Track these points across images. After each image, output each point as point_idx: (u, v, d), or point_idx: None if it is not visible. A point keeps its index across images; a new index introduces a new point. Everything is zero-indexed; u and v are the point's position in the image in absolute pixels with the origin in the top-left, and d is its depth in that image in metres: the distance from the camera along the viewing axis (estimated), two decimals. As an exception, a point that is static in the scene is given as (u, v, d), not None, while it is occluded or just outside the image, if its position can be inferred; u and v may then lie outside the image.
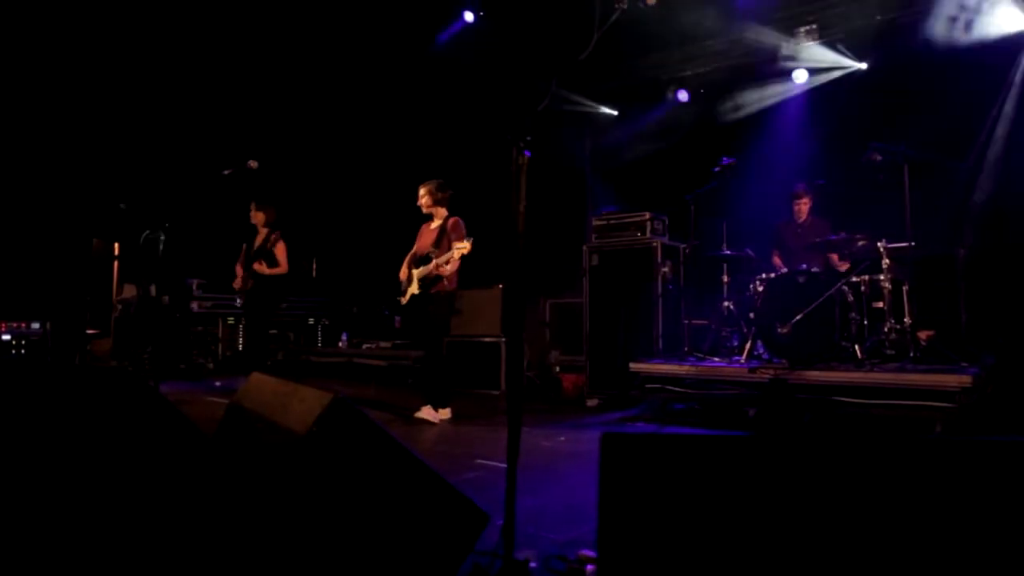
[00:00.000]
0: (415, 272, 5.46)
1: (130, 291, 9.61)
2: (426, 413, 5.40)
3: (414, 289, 5.45)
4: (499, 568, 2.08)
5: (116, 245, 9.45)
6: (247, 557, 2.09)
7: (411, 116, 9.68)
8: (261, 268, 6.48)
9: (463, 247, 4.87)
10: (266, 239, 6.58)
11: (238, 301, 6.90)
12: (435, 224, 5.55)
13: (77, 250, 8.92)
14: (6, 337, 7.75)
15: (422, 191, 5.52)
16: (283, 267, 6.58)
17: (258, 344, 6.95)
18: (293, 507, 1.91)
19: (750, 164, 6.56)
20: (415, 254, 5.64)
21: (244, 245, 6.82)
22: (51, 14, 7.78)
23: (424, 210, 5.56)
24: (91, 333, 8.86)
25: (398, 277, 5.70)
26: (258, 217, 6.73)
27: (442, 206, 5.52)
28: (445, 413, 5.46)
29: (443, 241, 5.34)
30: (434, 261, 5.22)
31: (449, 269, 5.21)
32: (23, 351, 7.84)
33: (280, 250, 6.57)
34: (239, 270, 6.77)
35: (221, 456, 2.60)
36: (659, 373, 5.55)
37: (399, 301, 5.68)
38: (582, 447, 4.47)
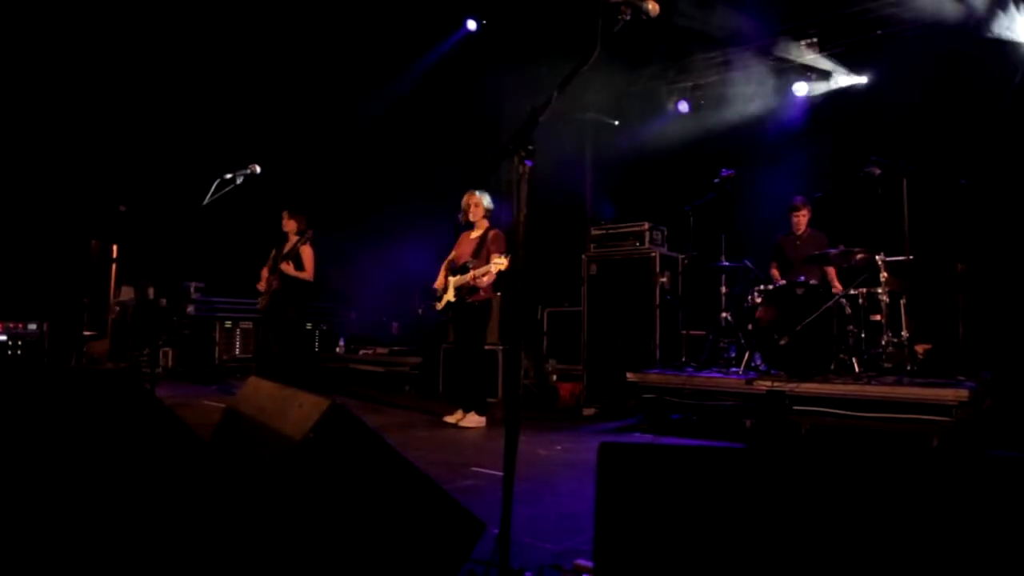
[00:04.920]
0: (452, 280, 5.53)
1: (128, 293, 9.62)
2: (470, 421, 5.49)
3: (450, 296, 5.52)
4: (494, 577, 2.08)
5: (115, 247, 9.46)
6: (242, 563, 2.08)
7: (412, 122, 9.70)
8: (288, 268, 6.49)
9: (501, 264, 4.91)
10: (295, 244, 6.62)
11: (260, 303, 6.85)
12: (476, 234, 5.61)
13: (75, 251, 8.92)
14: (3, 338, 7.74)
15: (474, 200, 5.57)
16: (309, 272, 6.58)
17: (282, 349, 6.84)
18: (289, 514, 1.90)
19: (749, 176, 6.57)
20: (452, 261, 5.72)
21: (273, 251, 6.83)
22: (51, 14, 7.80)
23: (470, 219, 5.62)
24: (88, 335, 8.86)
25: (435, 283, 5.78)
26: (290, 224, 6.76)
27: (486, 218, 5.59)
28: (481, 420, 5.50)
29: (482, 252, 5.43)
30: (471, 272, 5.30)
31: (486, 281, 5.30)
32: (20, 352, 7.83)
33: (307, 254, 6.58)
34: (264, 274, 6.77)
35: (217, 461, 2.59)
36: (656, 383, 5.55)
37: (434, 306, 5.77)
38: (579, 456, 4.46)
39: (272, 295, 6.63)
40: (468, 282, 5.35)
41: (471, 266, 5.38)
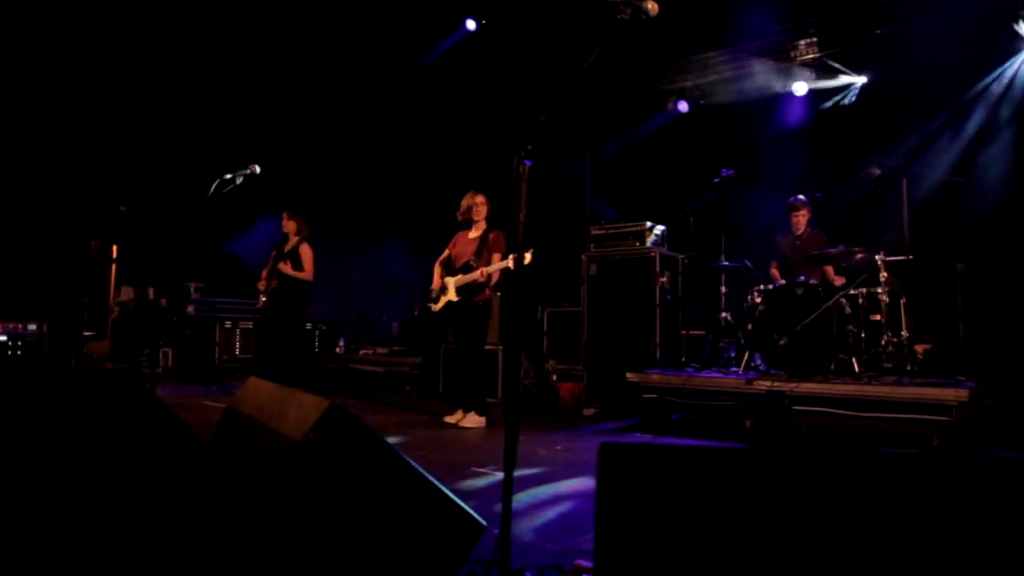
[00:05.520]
0: (452, 280, 5.51)
1: (128, 293, 9.62)
2: (470, 421, 5.48)
3: (451, 296, 5.50)
4: (494, 577, 2.08)
5: (115, 247, 9.46)
6: (243, 563, 2.08)
7: (412, 124, 9.70)
8: (286, 268, 6.49)
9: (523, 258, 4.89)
10: (296, 244, 6.62)
11: (259, 302, 6.85)
12: (475, 234, 5.60)
13: (75, 251, 8.91)
14: (2, 338, 7.73)
15: (479, 200, 5.58)
16: (308, 272, 6.58)
17: (281, 349, 6.81)
18: (288, 514, 1.90)
19: (749, 176, 6.57)
20: (445, 261, 5.73)
21: (273, 251, 6.84)
22: (52, 15, 7.80)
23: (473, 218, 5.61)
24: (88, 335, 8.85)
25: (432, 284, 5.76)
26: (290, 226, 6.77)
27: (485, 218, 5.62)
28: (481, 420, 5.51)
29: (483, 252, 5.43)
30: (481, 270, 5.27)
31: (497, 276, 5.30)
32: (19, 352, 7.82)
33: (306, 254, 6.58)
34: (265, 274, 6.77)
35: (217, 461, 2.59)
36: (656, 383, 5.55)
37: (429, 307, 5.76)
38: (579, 456, 4.46)
39: (271, 295, 6.63)
40: (476, 280, 5.32)
41: (474, 265, 5.38)
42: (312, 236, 6.73)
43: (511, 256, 4.96)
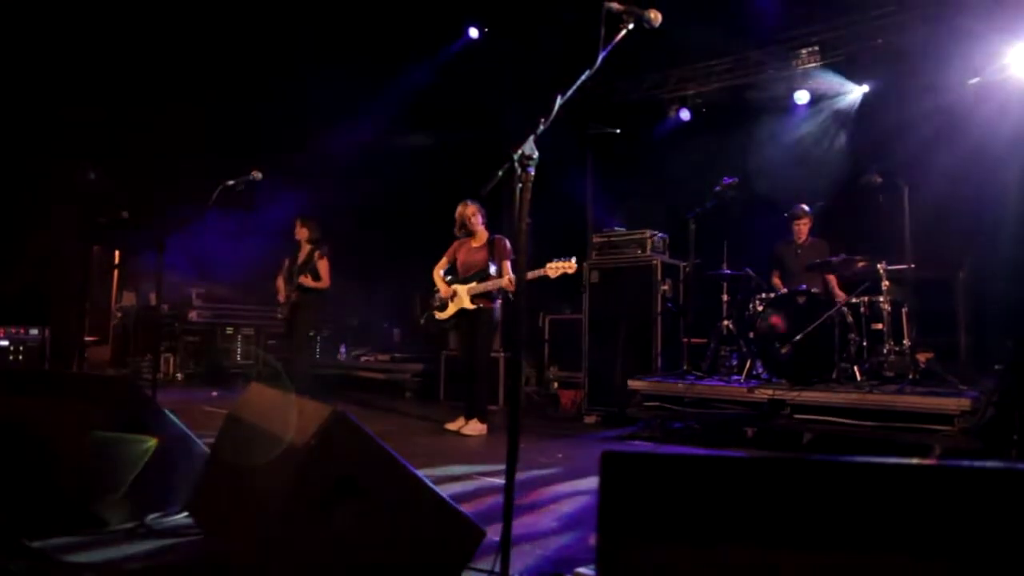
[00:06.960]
0: (464, 288, 5.50)
1: (129, 299, 9.64)
2: (471, 428, 5.46)
3: (465, 304, 5.48)
4: (495, 585, 2.07)
5: (116, 253, 9.49)
6: (244, 566, 2.08)
7: (414, 128, 9.73)
8: (306, 281, 6.48)
9: (570, 267, 4.89)
10: (310, 253, 6.60)
11: (280, 314, 6.84)
12: (479, 242, 5.60)
13: (77, 257, 8.93)
14: (4, 343, 7.74)
15: (471, 210, 5.57)
16: (326, 282, 6.56)
17: (296, 356, 6.80)
18: (289, 519, 1.90)
19: (751, 184, 6.57)
20: (449, 269, 5.71)
21: (287, 260, 6.81)
22: (56, 18, 7.84)
23: (470, 228, 5.58)
24: (90, 340, 8.86)
25: (441, 292, 5.72)
26: (302, 232, 6.74)
27: (484, 225, 5.62)
28: (483, 427, 5.49)
29: (495, 258, 5.46)
30: (508, 277, 5.29)
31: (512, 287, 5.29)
32: (21, 357, 7.83)
33: (324, 265, 6.56)
34: (281, 284, 6.76)
35: (219, 466, 2.59)
36: (658, 391, 5.54)
37: (433, 315, 5.74)
38: (580, 464, 4.45)
39: (291, 306, 6.62)
40: (499, 287, 5.34)
41: (492, 270, 5.40)
42: (325, 242, 6.71)
43: (549, 265, 4.91)
